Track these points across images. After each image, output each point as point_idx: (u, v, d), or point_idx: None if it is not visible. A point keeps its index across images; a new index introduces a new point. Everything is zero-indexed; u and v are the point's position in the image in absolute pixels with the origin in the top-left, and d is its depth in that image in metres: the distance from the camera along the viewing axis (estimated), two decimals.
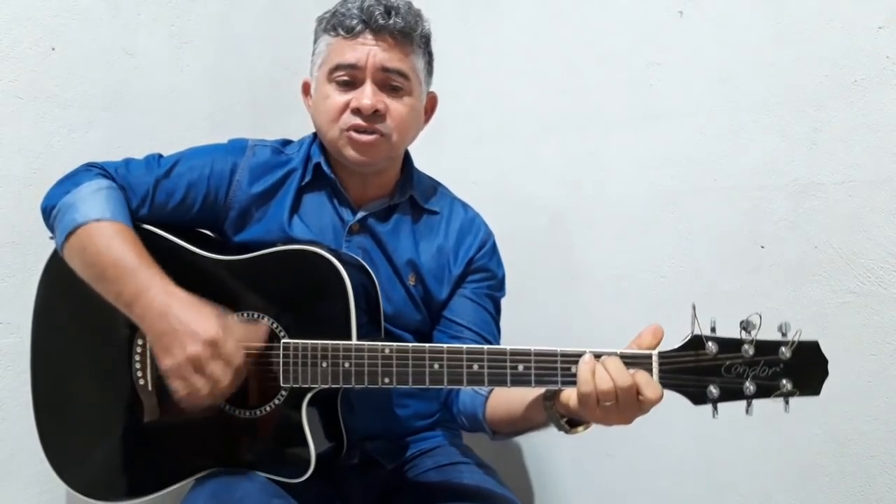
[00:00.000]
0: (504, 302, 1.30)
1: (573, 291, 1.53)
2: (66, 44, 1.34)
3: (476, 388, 1.13)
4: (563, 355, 0.92)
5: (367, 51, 1.11)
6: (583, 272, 1.51)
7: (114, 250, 1.03)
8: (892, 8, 1.14)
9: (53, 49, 1.33)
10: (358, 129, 1.12)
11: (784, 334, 0.89)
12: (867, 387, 1.17)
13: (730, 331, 0.90)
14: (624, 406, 0.89)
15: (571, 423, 0.98)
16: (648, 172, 1.41)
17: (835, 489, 1.22)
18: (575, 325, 1.52)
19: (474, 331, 1.20)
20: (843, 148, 1.19)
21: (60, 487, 1.32)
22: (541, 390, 0.99)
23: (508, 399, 1.08)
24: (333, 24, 1.13)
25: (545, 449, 1.56)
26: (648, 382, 0.89)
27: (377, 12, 1.10)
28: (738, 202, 1.30)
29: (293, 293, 1.06)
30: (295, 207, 1.18)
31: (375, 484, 1.18)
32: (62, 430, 1.15)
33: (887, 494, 1.17)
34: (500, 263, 1.28)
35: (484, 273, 1.24)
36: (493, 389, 1.12)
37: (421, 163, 1.30)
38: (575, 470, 1.52)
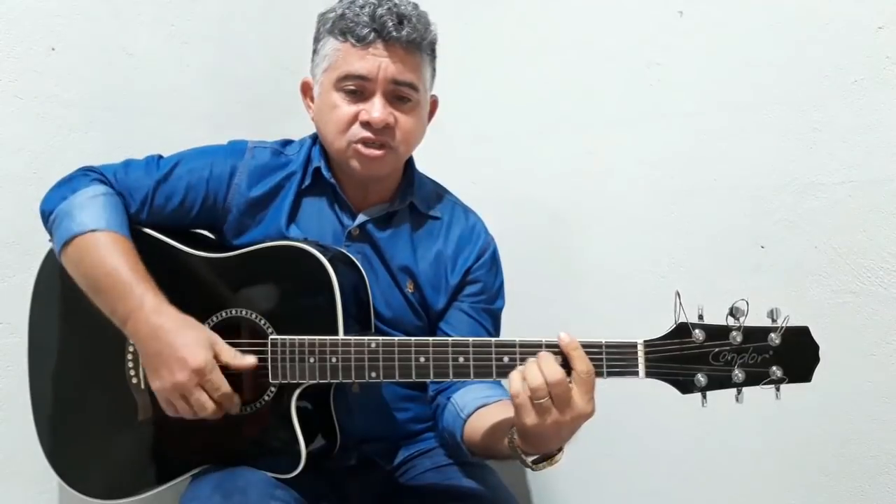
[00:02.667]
0: (505, 302, 1.30)
1: (573, 291, 1.52)
2: (66, 44, 1.34)
3: (459, 408, 1.12)
4: (547, 346, 0.92)
5: (379, 62, 1.08)
6: (583, 272, 1.51)
7: (107, 264, 1.03)
8: (892, 8, 1.14)
9: (53, 49, 1.33)
10: (366, 143, 1.11)
11: (773, 320, 0.88)
12: (867, 387, 1.17)
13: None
14: (559, 402, 0.87)
15: (538, 460, 0.96)
16: (648, 172, 1.41)
17: (835, 489, 1.21)
18: (575, 325, 1.51)
19: None
20: (843, 148, 1.19)
21: (61, 487, 1.33)
22: (510, 415, 0.96)
23: (483, 426, 1.06)
24: (342, 29, 1.09)
25: None
26: (581, 357, 0.88)
27: (390, 23, 1.07)
28: (738, 202, 1.30)
29: (280, 289, 1.07)
30: (294, 212, 1.18)
31: (374, 484, 1.19)
32: (60, 429, 1.16)
33: (887, 494, 1.17)
34: (498, 272, 1.26)
35: (480, 285, 1.23)
36: (473, 413, 1.10)
37: (420, 163, 1.30)
38: (575, 470, 1.52)
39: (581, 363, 0.89)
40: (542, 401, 0.87)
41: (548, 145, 1.57)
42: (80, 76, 1.37)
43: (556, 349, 0.91)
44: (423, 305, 1.21)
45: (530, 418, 0.88)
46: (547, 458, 0.94)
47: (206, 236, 1.23)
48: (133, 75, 1.45)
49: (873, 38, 1.15)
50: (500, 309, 1.26)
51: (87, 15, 1.37)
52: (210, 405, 0.99)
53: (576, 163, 1.52)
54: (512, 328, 1.31)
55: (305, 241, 1.08)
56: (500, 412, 1.04)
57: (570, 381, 0.88)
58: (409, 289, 1.20)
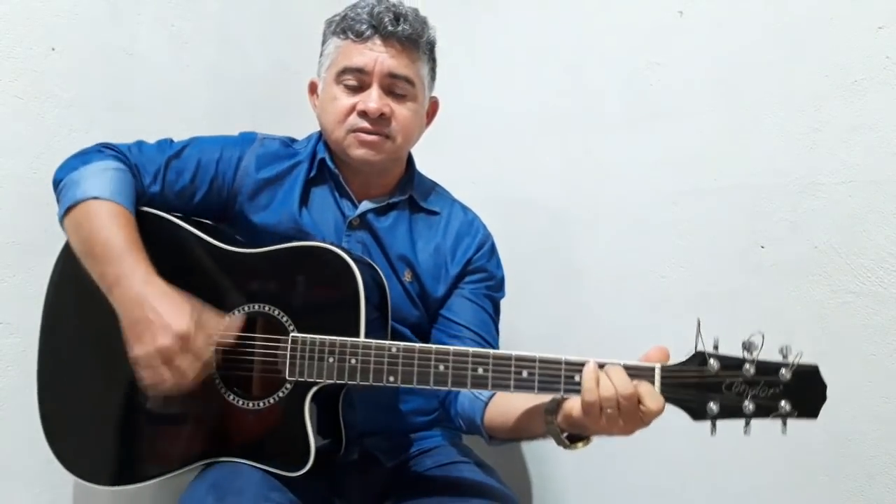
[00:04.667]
0: (504, 302, 1.30)
1: (573, 291, 1.52)
2: (66, 44, 1.34)
3: (475, 392, 1.14)
4: (567, 363, 0.93)
5: (376, 56, 1.15)
6: (583, 272, 1.51)
7: (104, 230, 1.05)
8: (892, 8, 1.14)
9: (53, 49, 1.33)
10: (363, 132, 1.15)
11: (784, 356, 0.90)
12: (867, 387, 1.17)
13: (730, 337, 0.91)
14: (626, 415, 0.90)
15: (571, 438, 0.99)
16: (648, 172, 1.41)
17: (835, 489, 1.21)
18: (575, 326, 1.52)
19: (473, 331, 1.21)
20: (843, 148, 1.19)
21: (61, 487, 1.33)
22: (540, 401, 1.00)
23: (508, 407, 1.08)
24: (343, 28, 1.17)
25: (545, 449, 1.56)
26: (650, 393, 0.90)
27: (387, 19, 1.14)
28: (738, 202, 1.30)
29: (305, 288, 1.08)
30: (304, 200, 1.21)
31: (375, 482, 1.19)
32: (66, 418, 1.15)
33: (887, 494, 1.17)
34: (499, 265, 1.29)
35: (482, 273, 1.25)
36: (493, 395, 1.12)
37: (421, 163, 1.30)
38: (575, 470, 1.52)
39: (654, 402, 0.90)
40: (609, 410, 0.89)
41: (548, 145, 1.57)
42: (80, 76, 1.37)
43: (575, 366, 0.92)
44: (422, 296, 1.23)
45: (595, 423, 0.91)
46: (585, 437, 0.98)
47: (228, 230, 1.23)
48: (133, 75, 1.45)
49: (873, 38, 1.15)
50: (501, 299, 1.29)
51: (87, 15, 1.37)
52: (192, 371, 0.99)
53: (576, 163, 1.52)
54: (513, 328, 1.31)
55: (333, 243, 1.10)
56: (521, 394, 1.04)
57: (641, 406, 0.90)
58: (407, 278, 1.22)
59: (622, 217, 1.45)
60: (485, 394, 1.13)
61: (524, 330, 1.49)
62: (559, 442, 0.98)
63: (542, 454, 1.58)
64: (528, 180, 1.60)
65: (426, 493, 1.16)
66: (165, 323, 0.98)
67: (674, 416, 1.31)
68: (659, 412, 0.90)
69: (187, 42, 1.54)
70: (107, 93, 1.41)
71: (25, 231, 1.27)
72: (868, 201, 1.17)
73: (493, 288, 1.27)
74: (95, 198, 1.08)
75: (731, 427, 1.30)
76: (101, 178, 1.11)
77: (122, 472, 1.12)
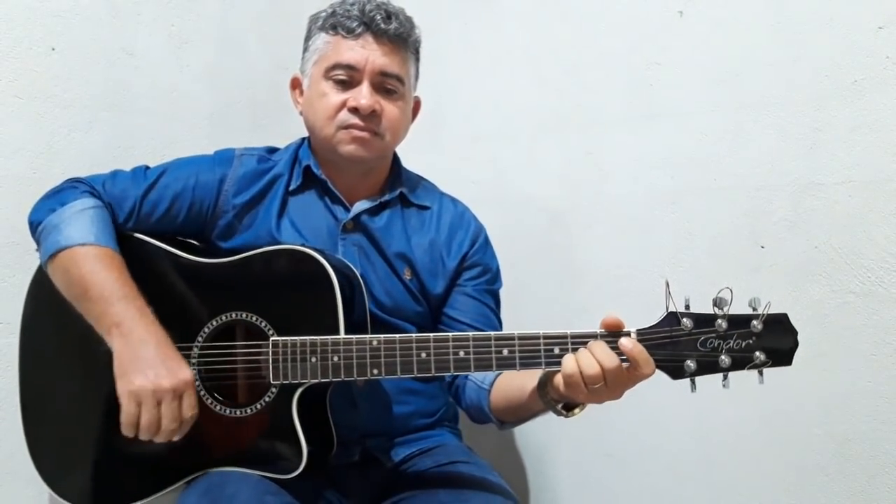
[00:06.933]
0: (504, 302, 1.30)
1: (573, 291, 1.52)
2: (66, 44, 1.34)
3: (479, 381, 1.18)
4: (545, 338, 0.96)
5: (367, 54, 1.15)
6: (583, 272, 1.51)
7: (97, 274, 1.05)
8: (892, 8, 1.14)
9: (53, 49, 1.33)
10: (354, 128, 1.15)
11: (754, 308, 0.92)
12: (867, 387, 1.17)
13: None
14: (613, 385, 0.92)
15: (567, 406, 1.02)
16: (648, 172, 1.41)
17: (835, 489, 1.22)
18: (575, 325, 1.51)
19: (477, 328, 1.23)
20: (843, 148, 1.19)
21: None
22: (536, 378, 1.02)
23: (509, 390, 1.12)
24: (333, 24, 1.16)
25: (544, 449, 1.56)
26: (648, 361, 0.92)
27: (378, 16, 1.14)
28: (738, 202, 1.30)
29: (280, 291, 1.07)
30: (282, 213, 1.20)
31: (375, 482, 1.19)
32: (51, 438, 1.15)
33: (887, 494, 1.17)
34: (493, 255, 1.31)
35: (479, 268, 1.27)
36: (494, 381, 1.15)
37: (420, 163, 1.30)
38: (574, 470, 1.52)
39: (648, 367, 0.92)
40: (596, 386, 0.91)
41: (547, 145, 1.56)
42: (80, 76, 1.37)
43: (553, 339, 0.95)
44: (422, 292, 1.24)
45: (582, 397, 0.94)
46: (580, 403, 1.01)
47: (204, 244, 1.23)
48: (133, 75, 1.45)
49: (873, 38, 1.15)
50: (499, 289, 1.30)
51: (87, 15, 1.37)
52: (174, 423, 0.99)
53: (576, 163, 1.52)
54: (512, 328, 1.31)
55: (304, 245, 1.10)
56: (521, 375, 1.07)
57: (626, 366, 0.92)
58: (407, 276, 1.22)
59: (622, 217, 1.45)
60: (487, 381, 1.16)
61: (524, 330, 1.49)
62: (556, 413, 1.01)
63: (541, 453, 1.58)
64: (528, 180, 1.60)
65: (424, 491, 1.16)
66: (172, 367, 0.99)
67: (672, 416, 1.32)
68: (650, 375, 0.92)
69: (187, 42, 1.54)
70: (107, 93, 1.41)
71: (25, 231, 1.27)
72: (868, 201, 1.17)
73: (491, 281, 1.29)
74: (80, 244, 1.07)
75: (730, 427, 1.31)
76: (80, 221, 1.10)
77: (112, 495, 1.11)
